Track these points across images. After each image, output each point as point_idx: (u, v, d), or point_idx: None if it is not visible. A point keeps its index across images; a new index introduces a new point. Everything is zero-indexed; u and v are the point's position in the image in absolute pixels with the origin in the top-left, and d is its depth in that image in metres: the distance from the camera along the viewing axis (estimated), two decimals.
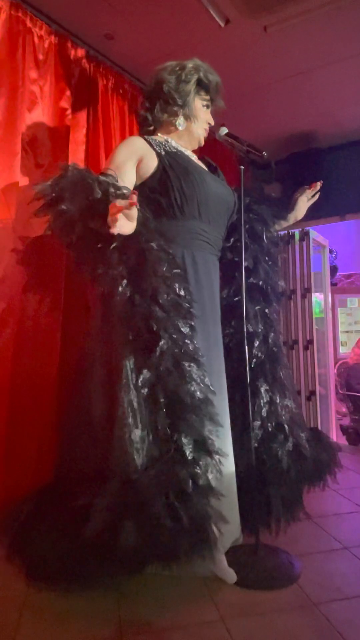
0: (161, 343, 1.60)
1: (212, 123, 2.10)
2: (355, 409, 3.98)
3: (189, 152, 2.05)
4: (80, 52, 2.52)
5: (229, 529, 1.81)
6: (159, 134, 2.03)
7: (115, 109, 2.73)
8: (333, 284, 5.56)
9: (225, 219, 2.05)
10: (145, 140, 1.94)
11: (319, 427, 3.59)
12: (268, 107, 3.40)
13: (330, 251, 5.29)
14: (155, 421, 1.60)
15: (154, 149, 1.91)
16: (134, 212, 1.52)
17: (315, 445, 2.06)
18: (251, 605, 1.54)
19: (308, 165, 3.86)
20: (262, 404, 1.97)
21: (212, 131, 2.12)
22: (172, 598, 1.60)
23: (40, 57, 2.32)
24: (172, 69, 1.98)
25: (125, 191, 1.63)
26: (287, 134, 3.81)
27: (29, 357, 2.13)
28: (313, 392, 3.63)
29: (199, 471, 1.56)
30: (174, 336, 1.64)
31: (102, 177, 1.65)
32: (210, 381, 1.74)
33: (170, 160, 1.89)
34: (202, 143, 2.12)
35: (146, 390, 1.62)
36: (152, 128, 2.03)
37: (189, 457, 1.56)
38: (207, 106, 2.07)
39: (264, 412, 1.96)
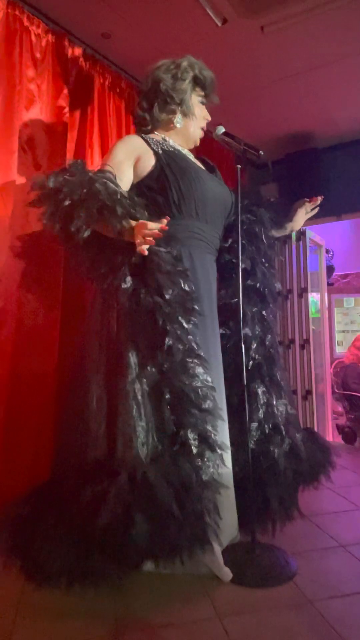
0: (168, 338, 1.62)
1: (209, 118, 2.11)
2: (351, 408, 3.99)
3: (186, 151, 2.06)
4: (77, 51, 2.52)
5: (227, 528, 1.82)
6: (156, 133, 2.03)
7: (112, 108, 2.73)
8: (329, 284, 5.58)
9: (222, 219, 2.05)
10: (143, 139, 1.94)
11: (315, 427, 3.61)
12: (265, 107, 3.41)
13: (327, 251, 5.30)
14: (160, 416, 1.61)
15: (152, 148, 1.91)
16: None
17: (310, 445, 2.08)
18: (247, 603, 1.55)
19: (305, 165, 3.87)
20: (259, 406, 1.98)
21: (209, 131, 2.12)
22: (168, 596, 1.60)
23: (38, 55, 2.32)
24: (167, 67, 1.99)
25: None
26: (284, 134, 3.82)
27: (28, 355, 2.13)
28: (309, 392, 3.65)
29: (202, 465, 1.58)
30: (178, 332, 1.65)
31: (111, 185, 1.65)
32: (210, 378, 1.75)
33: (167, 159, 1.89)
34: (197, 143, 2.13)
35: (151, 385, 1.63)
36: (149, 127, 2.03)
37: (194, 452, 1.58)
38: (203, 102, 2.08)
39: (260, 413, 1.98)
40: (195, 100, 2.04)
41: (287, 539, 1.95)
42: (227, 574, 1.67)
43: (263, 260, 2.11)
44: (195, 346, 1.69)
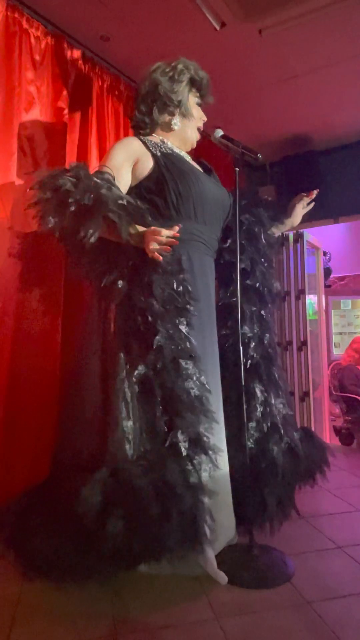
0: (157, 337, 1.62)
1: (205, 119, 2.13)
2: (348, 409, 4.01)
3: (183, 153, 2.07)
4: (76, 54, 2.53)
5: (224, 530, 1.83)
6: (154, 135, 2.04)
7: (110, 110, 2.74)
8: (327, 286, 5.60)
9: (220, 221, 2.06)
10: (141, 141, 1.95)
11: (313, 428, 3.62)
12: (263, 110, 3.43)
13: (324, 253, 5.32)
14: (150, 416, 1.62)
15: (150, 150, 1.92)
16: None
17: (307, 444, 2.09)
18: (245, 604, 1.55)
19: (302, 167, 3.88)
20: (257, 405, 1.98)
21: (207, 133, 2.13)
22: (166, 597, 1.60)
23: (37, 58, 2.32)
24: (164, 70, 2.00)
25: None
26: (281, 137, 3.83)
27: (28, 355, 2.14)
28: (307, 393, 3.65)
29: (191, 468, 1.57)
30: (171, 332, 1.65)
31: (116, 191, 1.68)
32: (206, 379, 1.75)
33: (166, 161, 1.90)
34: (195, 144, 2.14)
35: (141, 384, 1.63)
36: (148, 130, 2.04)
37: (184, 454, 1.58)
38: (199, 104, 2.10)
39: (259, 412, 1.98)
40: (192, 101, 2.06)
41: (285, 540, 1.95)
42: (222, 577, 1.66)
43: (262, 260, 2.12)
44: (189, 347, 1.69)
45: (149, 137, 2.00)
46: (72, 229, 1.60)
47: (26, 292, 2.12)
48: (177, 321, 1.68)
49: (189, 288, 1.76)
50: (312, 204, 2.28)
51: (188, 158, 2.08)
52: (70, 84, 2.48)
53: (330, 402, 4.23)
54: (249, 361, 2.01)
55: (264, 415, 1.99)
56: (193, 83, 2.04)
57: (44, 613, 1.53)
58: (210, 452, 1.63)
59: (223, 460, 1.82)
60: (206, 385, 1.71)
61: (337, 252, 6.22)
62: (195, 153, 2.20)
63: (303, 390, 3.66)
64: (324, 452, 2.16)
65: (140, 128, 2.05)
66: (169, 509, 1.47)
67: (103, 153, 2.56)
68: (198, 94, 2.08)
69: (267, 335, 2.08)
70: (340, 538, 2.02)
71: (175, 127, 2.03)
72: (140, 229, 1.63)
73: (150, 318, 1.63)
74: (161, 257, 1.57)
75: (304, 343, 3.69)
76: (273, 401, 2.02)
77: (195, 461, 1.59)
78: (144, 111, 2.03)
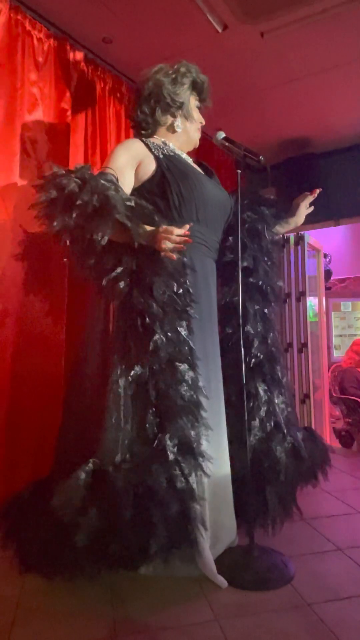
0: (154, 338, 1.62)
1: (204, 122, 2.13)
2: (348, 412, 4.01)
3: (185, 155, 2.07)
4: (79, 55, 2.54)
5: (225, 532, 1.83)
6: (156, 137, 2.04)
7: (112, 112, 2.75)
8: (327, 288, 5.61)
9: (222, 223, 2.06)
10: (144, 142, 1.95)
11: None
12: (264, 112, 3.44)
13: (325, 255, 5.33)
14: (142, 418, 1.62)
15: (152, 152, 1.92)
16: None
17: (309, 444, 2.08)
18: (245, 606, 1.55)
19: (303, 170, 3.90)
20: (260, 404, 1.98)
21: (209, 135, 2.14)
22: (166, 598, 1.60)
23: (40, 59, 2.33)
24: (166, 72, 2.01)
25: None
26: (283, 139, 3.84)
27: (32, 355, 2.15)
28: (307, 395, 3.65)
29: (178, 473, 1.56)
30: (169, 334, 1.65)
31: (123, 193, 1.69)
32: (206, 384, 1.75)
33: (168, 163, 1.90)
34: (197, 144, 2.15)
35: (136, 385, 1.63)
36: (149, 131, 2.05)
37: (171, 458, 1.57)
38: (199, 106, 2.11)
39: (262, 411, 1.98)
40: (193, 103, 2.07)
41: (285, 542, 1.95)
42: (221, 582, 1.66)
43: (265, 258, 2.12)
44: (187, 350, 1.68)
45: (151, 139, 2.01)
46: (79, 231, 1.60)
47: (29, 293, 2.13)
48: (176, 324, 1.68)
49: (190, 290, 1.76)
50: (312, 207, 2.29)
51: (189, 160, 2.08)
52: (73, 86, 2.49)
53: (331, 404, 4.23)
54: (253, 360, 2.01)
55: (267, 414, 1.98)
56: (194, 86, 2.05)
57: (44, 614, 1.52)
58: (200, 458, 1.61)
59: (222, 465, 1.82)
60: (203, 390, 1.71)
61: (338, 254, 6.23)
62: (197, 155, 2.21)
63: (303, 393, 3.65)
64: (326, 452, 2.16)
65: (142, 129, 2.05)
66: (149, 514, 1.47)
67: (105, 155, 2.56)
68: (198, 97, 2.09)
69: (271, 334, 2.08)
70: (340, 540, 2.02)
71: (178, 129, 2.04)
72: (149, 228, 1.65)
73: (148, 319, 1.63)
74: (175, 257, 1.58)
75: (305, 345, 3.69)
76: (276, 400, 2.01)
77: (183, 466, 1.57)
78: (146, 112, 2.03)
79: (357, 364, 4.29)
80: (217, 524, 1.78)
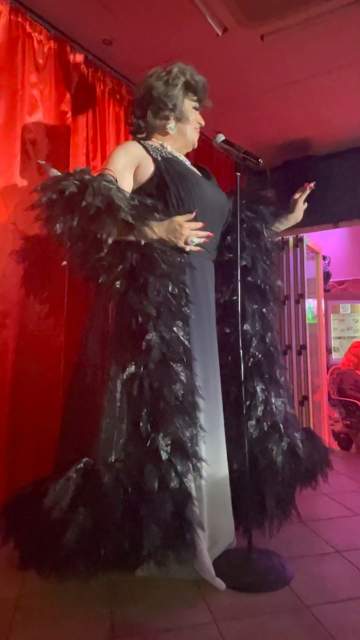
0: (148, 337, 1.62)
1: (203, 123, 2.13)
2: (347, 414, 4.01)
3: (183, 158, 2.08)
4: (79, 57, 2.55)
5: (223, 534, 1.83)
6: (153, 139, 2.05)
7: (111, 115, 2.76)
8: (326, 290, 5.62)
9: (220, 225, 2.07)
10: (142, 145, 1.96)
11: None
12: (264, 115, 3.44)
13: (324, 258, 5.34)
14: (136, 418, 1.62)
15: (151, 155, 1.92)
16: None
17: (308, 445, 2.08)
18: (244, 608, 1.55)
19: (302, 172, 3.90)
20: (257, 403, 1.98)
21: (209, 137, 2.14)
22: (165, 600, 1.60)
23: (40, 61, 2.34)
24: (159, 75, 2.01)
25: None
26: (282, 141, 3.85)
27: (32, 356, 2.15)
28: (306, 397, 3.66)
29: (171, 474, 1.56)
30: (164, 335, 1.65)
31: (125, 192, 1.73)
32: (203, 385, 1.75)
33: (167, 166, 1.91)
34: (196, 145, 2.14)
35: (131, 384, 1.63)
36: (145, 134, 2.05)
37: (164, 458, 1.56)
38: (197, 107, 2.10)
39: (259, 411, 1.98)
40: (188, 105, 2.06)
41: (283, 544, 1.95)
42: (220, 584, 1.66)
43: (264, 257, 2.13)
44: (182, 350, 1.68)
45: (149, 142, 2.01)
46: (83, 232, 1.61)
47: (29, 294, 2.13)
48: (171, 324, 1.68)
49: (187, 291, 1.76)
50: (306, 204, 2.29)
51: (187, 163, 2.09)
52: (73, 88, 2.49)
53: (329, 406, 4.23)
54: (251, 359, 2.01)
55: (264, 414, 1.98)
56: (188, 87, 2.04)
57: (42, 616, 1.52)
58: (193, 460, 1.61)
59: (220, 466, 1.82)
60: (199, 390, 1.71)
61: (337, 257, 6.24)
62: (196, 157, 2.21)
63: (302, 394, 3.66)
64: (326, 453, 2.15)
65: (138, 132, 2.06)
66: (140, 514, 1.47)
67: (105, 156, 2.57)
68: (195, 98, 2.08)
69: (269, 333, 2.08)
70: (338, 542, 2.02)
71: (171, 131, 2.04)
72: (154, 224, 1.68)
73: (141, 319, 1.64)
74: (196, 248, 1.74)
75: (304, 347, 3.69)
76: (274, 400, 2.01)
77: (177, 467, 1.57)
78: (139, 115, 2.04)
79: (356, 366, 4.30)
80: (215, 526, 1.78)
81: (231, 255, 2.05)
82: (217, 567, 1.69)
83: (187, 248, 1.74)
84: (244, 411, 1.88)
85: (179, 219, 1.73)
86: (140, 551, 1.47)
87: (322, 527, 2.20)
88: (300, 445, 2.02)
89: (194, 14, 2.38)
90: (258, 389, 1.99)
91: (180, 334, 1.69)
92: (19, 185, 2.16)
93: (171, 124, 2.03)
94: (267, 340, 2.07)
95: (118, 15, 2.40)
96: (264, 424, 1.98)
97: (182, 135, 2.06)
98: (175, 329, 1.68)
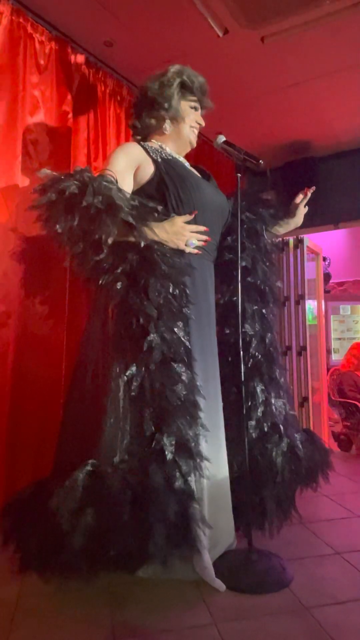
0: (149, 338, 1.63)
1: (203, 124, 2.11)
2: (347, 415, 4.00)
3: (182, 159, 2.08)
4: (80, 59, 2.55)
5: (223, 535, 1.83)
6: (153, 141, 2.05)
7: (112, 115, 2.76)
8: (326, 291, 5.62)
9: (220, 226, 2.07)
10: (142, 146, 1.96)
11: None
12: (264, 116, 3.45)
13: (324, 259, 5.34)
14: (139, 418, 1.62)
15: (151, 156, 1.92)
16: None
17: (308, 446, 2.08)
18: (243, 609, 1.55)
19: (303, 173, 3.91)
20: (257, 404, 1.98)
21: (209, 139, 2.14)
22: (164, 602, 1.60)
23: (42, 62, 2.34)
24: (155, 76, 2.02)
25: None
26: (282, 143, 3.86)
27: (33, 356, 2.15)
28: (306, 398, 3.65)
29: (176, 473, 1.56)
30: (165, 335, 1.65)
31: (125, 192, 1.73)
32: (203, 385, 1.75)
33: (166, 167, 1.91)
34: (194, 145, 2.13)
35: (132, 385, 1.63)
36: (144, 135, 2.06)
37: (169, 458, 1.57)
38: (196, 108, 2.08)
39: (259, 411, 1.98)
40: (185, 105, 2.04)
41: (283, 546, 1.95)
42: (220, 585, 1.66)
43: (264, 258, 2.13)
44: (182, 350, 1.69)
45: (149, 143, 2.01)
46: (83, 232, 1.61)
47: (30, 295, 2.13)
48: (172, 325, 1.68)
49: (187, 292, 1.76)
50: (307, 208, 2.29)
51: (187, 164, 2.09)
52: (74, 89, 2.50)
53: (329, 407, 4.23)
54: (251, 360, 2.01)
55: (264, 414, 1.98)
56: (185, 87, 2.02)
57: (42, 617, 1.52)
58: (197, 459, 1.61)
59: (220, 466, 1.82)
60: (200, 390, 1.71)
61: (337, 258, 6.25)
62: (196, 158, 2.21)
63: (302, 396, 3.66)
64: (327, 455, 2.15)
65: (136, 134, 2.07)
66: (147, 515, 1.47)
67: (105, 157, 2.57)
68: (193, 99, 2.07)
69: (269, 334, 2.08)
70: (338, 544, 2.02)
71: (166, 131, 2.03)
72: (154, 224, 1.68)
73: (142, 320, 1.64)
74: (195, 251, 1.76)
75: (304, 348, 3.69)
76: (274, 401, 2.01)
77: (181, 467, 1.57)
78: (137, 117, 2.06)
79: (356, 367, 4.30)
80: (215, 527, 1.78)
81: (231, 256, 2.05)
82: (217, 568, 1.70)
83: (187, 250, 1.75)
84: (244, 412, 1.88)
85: (179, 219, 1.74)
86: (146, 551, 1.47)
87: (322, 528, 2.20)
88: (300, 446, 2.01)
89: (195, 15, 2.39)
90: (258, 389, 1.99)
91: (181, 334, 1.70)
92: (21, 185, 2.16)
93: (167, 125, 2.02)
94: (267, 341, 2.07)
95: (119, 17, 2.41)
96: (264, 424, 1.98)
97: (178, 135, 2.05)
98: (176, 329, 1.68)
